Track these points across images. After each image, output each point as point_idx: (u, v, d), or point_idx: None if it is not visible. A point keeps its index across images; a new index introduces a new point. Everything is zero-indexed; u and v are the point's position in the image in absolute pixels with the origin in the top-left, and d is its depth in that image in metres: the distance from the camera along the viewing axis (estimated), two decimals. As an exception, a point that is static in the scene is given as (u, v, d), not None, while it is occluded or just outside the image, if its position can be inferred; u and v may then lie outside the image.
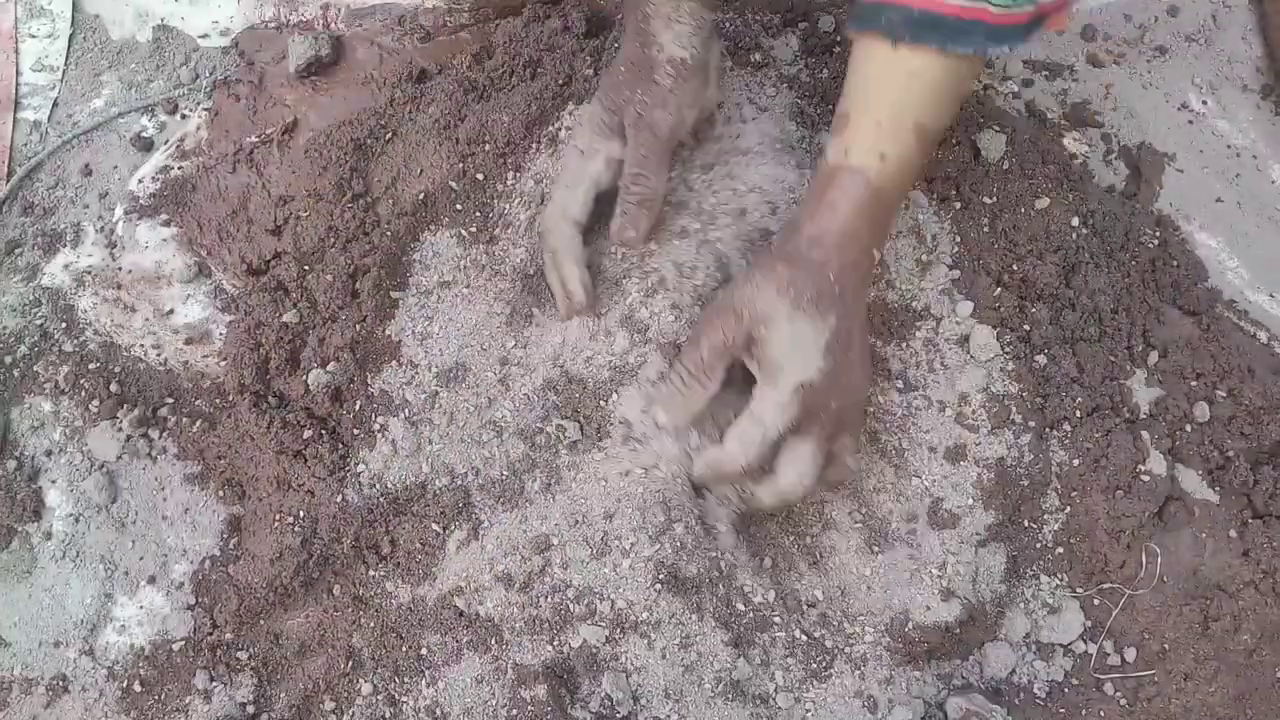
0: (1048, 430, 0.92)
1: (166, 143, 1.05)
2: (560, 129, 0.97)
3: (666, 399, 0.83)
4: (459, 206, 0.96)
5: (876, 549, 0.89)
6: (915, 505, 0.90)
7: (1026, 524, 0.91)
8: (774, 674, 0.85)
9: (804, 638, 0.87)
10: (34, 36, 1.10)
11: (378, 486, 0.88)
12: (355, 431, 0.90)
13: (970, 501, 0.89)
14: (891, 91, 0.77)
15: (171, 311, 0.98)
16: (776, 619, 0.87)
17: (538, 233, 0.93)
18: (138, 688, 0.86)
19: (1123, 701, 0.88)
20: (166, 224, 1.00)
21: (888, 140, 0.78)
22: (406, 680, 0.85)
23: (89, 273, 0.99)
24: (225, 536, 0.90)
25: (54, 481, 0.92)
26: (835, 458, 0.83)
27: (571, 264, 0.89)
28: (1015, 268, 0.96)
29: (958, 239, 0.97)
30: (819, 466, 0.82)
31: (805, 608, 0.88)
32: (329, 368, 0.90)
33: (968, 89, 0.79)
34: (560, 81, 0.98)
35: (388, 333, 0.92)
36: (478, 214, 0.96)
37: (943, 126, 0.81)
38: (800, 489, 0.82)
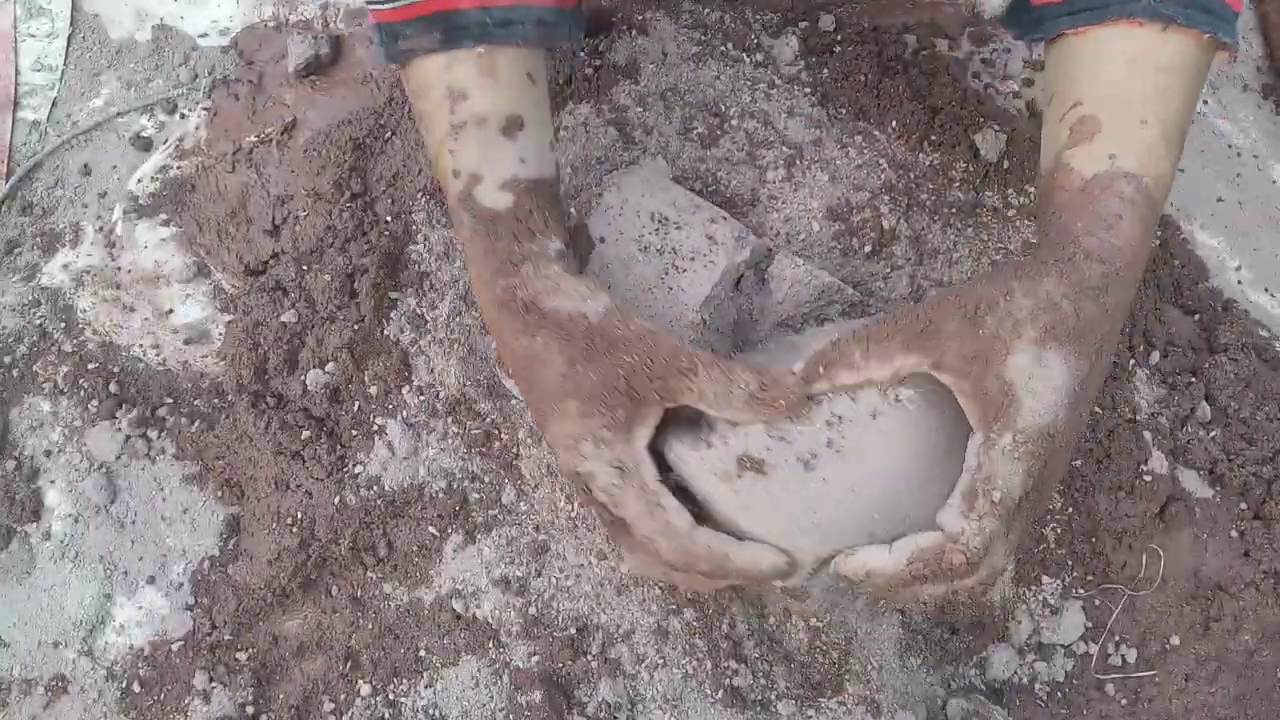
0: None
1: (166, 143, 1.05)
2: (560, 129, 0.96)
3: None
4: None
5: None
6: None
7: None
8: (776, 682, 0.85)
9: (807, 645, 0.86)
10: (33, 36, 1.10)
11: (375, 489, 0.88)
12: (353, 432, 0.90)
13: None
14: (1148, 86, 0.67)
15: (171, 311, 0.98)
16: (779, 625, 0.86)
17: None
18: (137, 688, 0.86)
19: (1123, 702, 0.88)
20: (166, 224, 1.00)
21: (1160, 143, 0.66)
22: (405, 682, 0.85)
23: (88, 272, 0.99)
24: (224, 537, 0.90)
25: (53, 482, 0.91)
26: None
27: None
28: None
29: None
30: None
31: (809, 613, 0.88)
32: (327, 368, 0.90)
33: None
34: (560, 81, 0.98)
35: (386, 333, 0.92)
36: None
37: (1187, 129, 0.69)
38: (993, 581, 0.66)
